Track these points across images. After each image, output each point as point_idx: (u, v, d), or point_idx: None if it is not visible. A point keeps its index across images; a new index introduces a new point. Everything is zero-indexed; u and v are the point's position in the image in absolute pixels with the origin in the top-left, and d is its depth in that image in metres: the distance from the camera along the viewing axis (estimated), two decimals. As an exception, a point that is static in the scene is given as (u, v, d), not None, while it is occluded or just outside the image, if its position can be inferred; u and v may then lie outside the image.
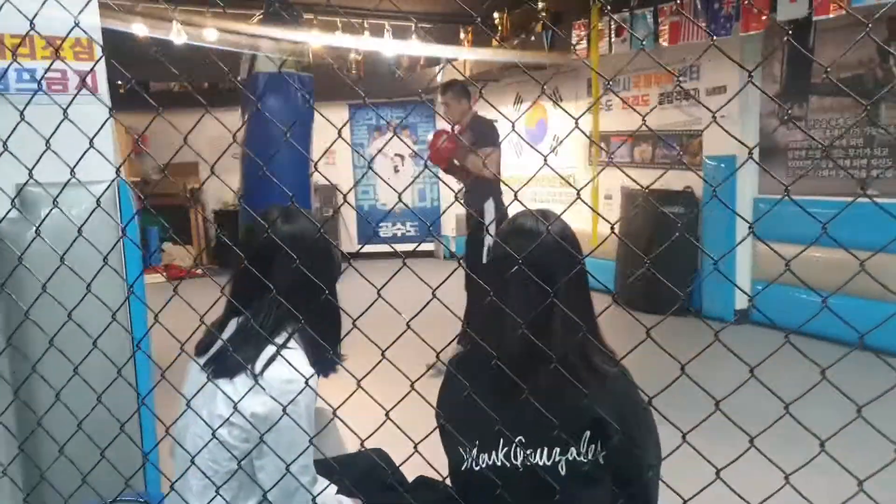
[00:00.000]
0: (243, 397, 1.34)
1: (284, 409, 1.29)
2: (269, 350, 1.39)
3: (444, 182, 9.47)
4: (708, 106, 3.73)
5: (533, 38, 6.25)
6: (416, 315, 1.09)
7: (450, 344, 1.29)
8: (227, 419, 1.37)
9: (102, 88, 2.34)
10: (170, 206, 9.39)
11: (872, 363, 0.92)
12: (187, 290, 1.29)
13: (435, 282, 1.09)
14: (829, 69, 3.63)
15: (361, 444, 1.26)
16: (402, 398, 1.15)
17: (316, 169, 1.33)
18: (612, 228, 1.02)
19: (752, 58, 5.02)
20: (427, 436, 1.19)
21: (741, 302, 5.14)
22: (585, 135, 1.03)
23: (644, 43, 4.88)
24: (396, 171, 9.57)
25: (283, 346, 1.40)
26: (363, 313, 1.13)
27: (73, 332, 1.48)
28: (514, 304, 1.23)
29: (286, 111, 4.11)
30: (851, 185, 4.43)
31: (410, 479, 1.67)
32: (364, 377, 1.16)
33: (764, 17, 4.00)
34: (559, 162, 7.12)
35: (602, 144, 6.47)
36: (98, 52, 2.31)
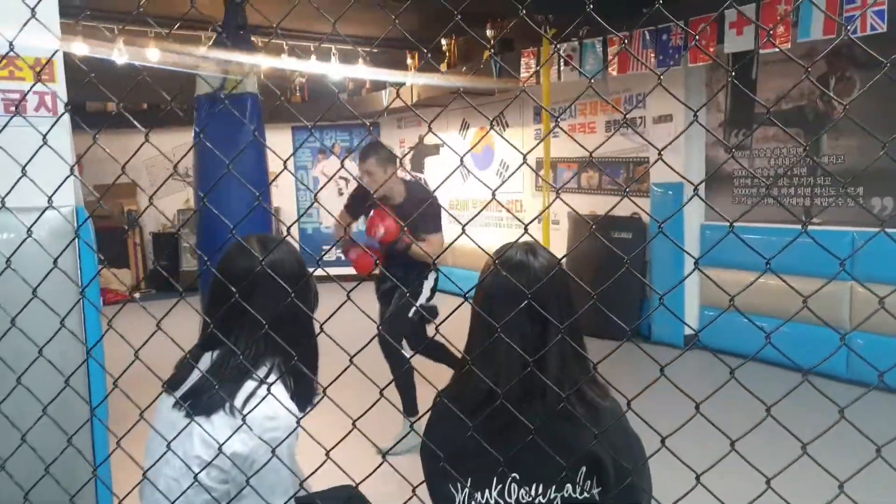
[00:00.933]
0: (230, 437, 1.25)
1: (274, 451, 1.22)
2: (249, 386, 1.32)
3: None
4: (653, 136, 3.73)
5: (482, 65, 6.26)
6: (359, 351, 1.05)
7: (446, 388, 1.26)
8: (208, 460, 1.28)
9: (61, 111, 2.19)
10: (106, 229, 9.03)
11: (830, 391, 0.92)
12: (126, 315, 1.25)
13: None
14: (769, 109, 3.74)
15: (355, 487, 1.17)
16: (395, 442, 1.07)
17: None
18: (559, 262, 1.00)
19: (697, 87, 5.15)
20: (421, 483, 1.14)
21: (689, 328, 5.21)
22: (532, 169, 1.00)
23: (591, 72, 4.94)
24: (341, 193, 9.42)
25: (264, 381, 1.33)
26: (360, 351, 1.06)
27: (26, 344, 1.38)
28: (506, 347, 1.22)
29: (234, 134, 3.97)
30: (798, 213, 4.56)
31: None
32: (360, 417, 1.07)
33: (711, 50, 4.09)
34: (505, 188, 7.14)
35: (549, 171, 6.51)
36: (59, 73, 2.14)
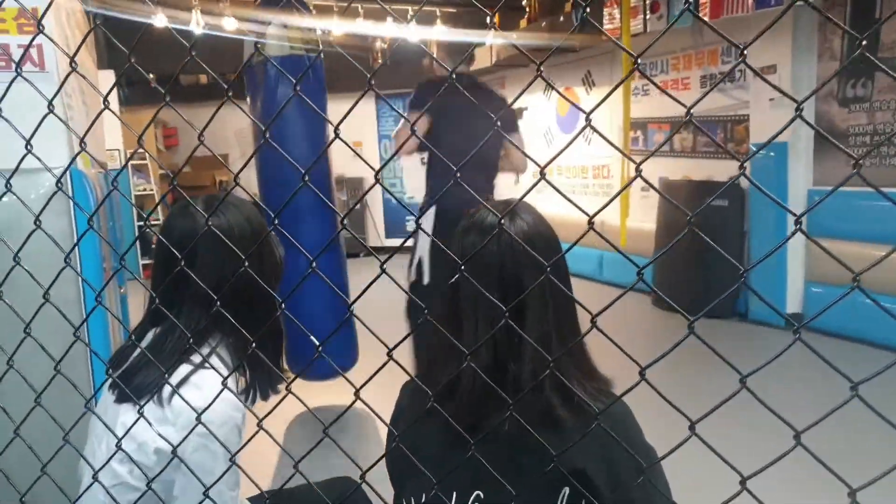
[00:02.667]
0: (131, 426, 1.09)
1: (174, 452, 1.02)
2: (183, 371, 1.14)
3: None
4: (755, 89, 3.20)
5: (562, 18, 5.80)
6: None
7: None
8: (131, 454, 1.10)
9: (50, 66, 2.05)
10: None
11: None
12: None
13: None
14: (863, 41, 3.19)
15: (294, 467, 0.92)
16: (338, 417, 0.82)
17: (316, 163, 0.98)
18: (589, 222, 0.74)
19: (807, 32, 4.49)
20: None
21: (793, 304, 4.64)
22: (596, 131, 0.70)
23: (681, 19, 4.41)
24: (423, 163, 9.20)
25: (201, 364, 1.14)
26: (398, 344, 0.88)
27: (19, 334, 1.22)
28: (473, 322, 0.99)
29: (297, 97, 3.79)
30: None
31: None
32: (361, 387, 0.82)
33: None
34: (593, 151, 6.66)
35: (638, 133, 6.00)
36: (50, 26, 2.00)
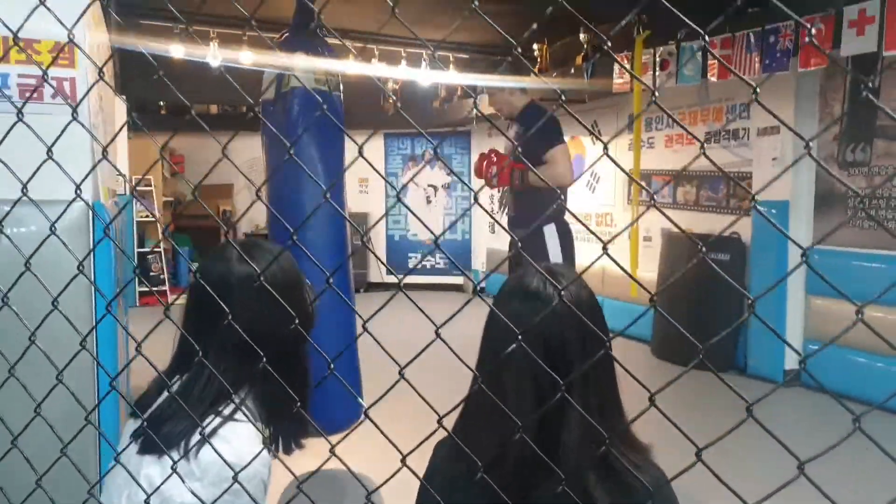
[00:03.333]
0: (162, 482, 1.05)
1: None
2: (214, 422, 1.11)
3: (479, 212, 9.21)
4: (758, 149, 3.32)
5: (573, 70, 5.97)
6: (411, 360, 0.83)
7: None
8: None
9: (80, 98, 2.13)
10: (202, 228, 9.35)
11: None
12: None
13: (460, 317, 0.85)
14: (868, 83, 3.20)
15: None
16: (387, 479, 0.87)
17: (326, 198, 1.02)
18: (604, 247, 0.72)
19: (810, 96, 4.65)
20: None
21: (791, 361, 4.70)
22: (621, 168, 0.76)
23: (690, 78, 4.56)
24: (429, 201, 9.33)
25: (228, 419, 1.11)
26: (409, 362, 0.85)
27: (32, 361, 1.19)
28: (515, 395, 0.98)
29: (317, 132, 3.82)
30: (921, 240, 4.00)
31: None
32: (409, 453, 0.84)
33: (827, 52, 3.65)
34: (596, 200, 6.78)
35: (643, 183, 6.12)
36: (80, 60, 2.09)
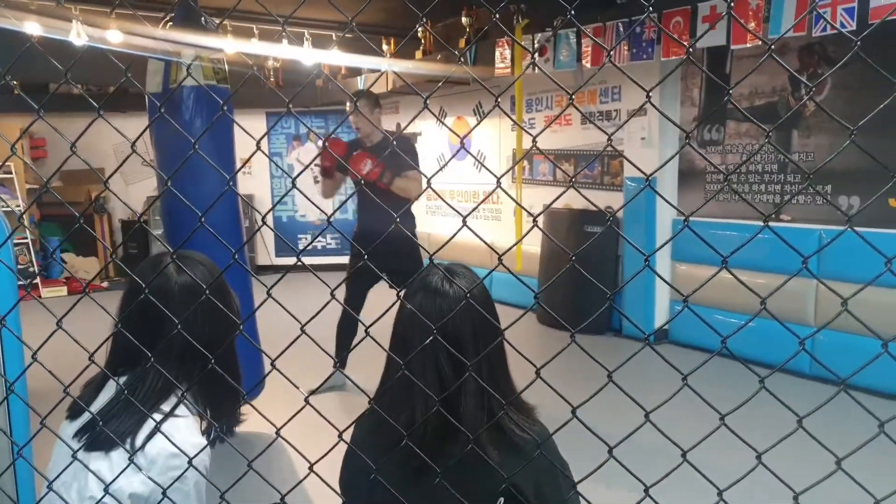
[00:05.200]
0: (118, 476, 1.16)
1: (164, 492, 1.12)
2: (156, 418, 1.21)
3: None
4: (628, 129, 3.68)
5: (457, 52, 6.16)
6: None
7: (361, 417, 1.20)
8: (104, 501, 1.17)
9: None
10: (73, 216, 8.81)
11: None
12: (90, 304, 1.14)
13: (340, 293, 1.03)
14: (730, 91, 3.72)
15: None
16: (324, 455, 1.02)
17: (230, 187, 1.14)
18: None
19: (672, 81, 5.11)
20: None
21: (660, 320, 5.21)
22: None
23: (565, 63, 4.88)
24: (317, 181, 9.29)
25: (170, 414, 1.23)
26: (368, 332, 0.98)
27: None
28: (423, 373, 1.17)
29: (206, 125, 3.79)
30: (768, 208, 4.55)
31: None
32: (283, 425, 1.00)
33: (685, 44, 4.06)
34: (481, 179, 7.08)
35: (524, 163, 6.46)
36: None
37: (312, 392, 3.93)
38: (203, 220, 1.04)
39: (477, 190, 7.19)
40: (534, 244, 6.10)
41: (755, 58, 4.48)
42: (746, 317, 4.47)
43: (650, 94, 0.90)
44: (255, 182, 9.12)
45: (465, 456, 1.06)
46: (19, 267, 8.19)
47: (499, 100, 0.90)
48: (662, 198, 1.05)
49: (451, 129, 1.19)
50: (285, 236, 9.34)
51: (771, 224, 0.86)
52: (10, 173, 8.18)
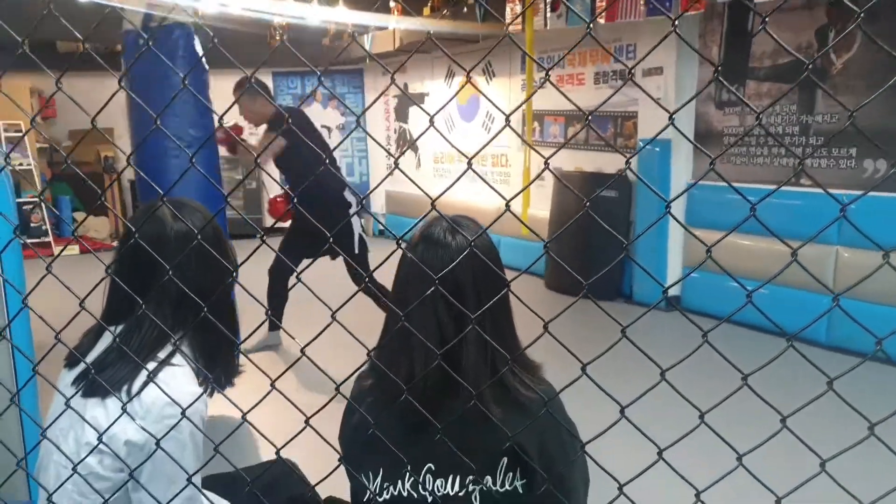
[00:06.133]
0: (113, 423, 1.14)
1: (158, 443, 1.09)
2: (151, 367, 1.20)
3: (377, 155, 9.15)
4: (644, 87, 3.49)
5: (465, 9, 5.95)
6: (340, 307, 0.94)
7: (358, 370, 1.15)
8: (101, 447, 1.16)
9: None
10: (83, 175, 8.77)
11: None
12: (97, 264, 1.10)
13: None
14: (752, 36, 3.55)
15: (277, 454, 1.05)
16: (323, 406, 0.98)
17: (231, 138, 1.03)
18: (507, 205, 0.89)
19: (690, 39, 4.89)
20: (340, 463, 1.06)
21: (672, 289, 5.08)
22: (519, 136, 0.82)
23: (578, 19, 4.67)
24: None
25: (165, 363, 1.21)
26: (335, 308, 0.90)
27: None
28: (423, 325, 1.12)
29: (160, 71, 3.48)
30: (787, 173, 4.37)
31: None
32: (278, 377, 0.96)
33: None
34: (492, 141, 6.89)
35: (535, 124, 6.28)
36: None
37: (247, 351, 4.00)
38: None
39: (485, 153, 7.02)
40: (543, 209, 5.95)
41: (780, 13, 4.25)
42: (758, 283, 4.32)
43: (675, 24, 0.75)
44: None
45: (467, 412, 1.01)
46: (33, 225, 8.22)
47: (505, 57, 0.77)
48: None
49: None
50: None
51: (791, 188, 0.72)
52: (20, 132, 8.12)
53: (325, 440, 1.02)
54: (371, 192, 1.19)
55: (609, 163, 5.63)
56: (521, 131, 6.51)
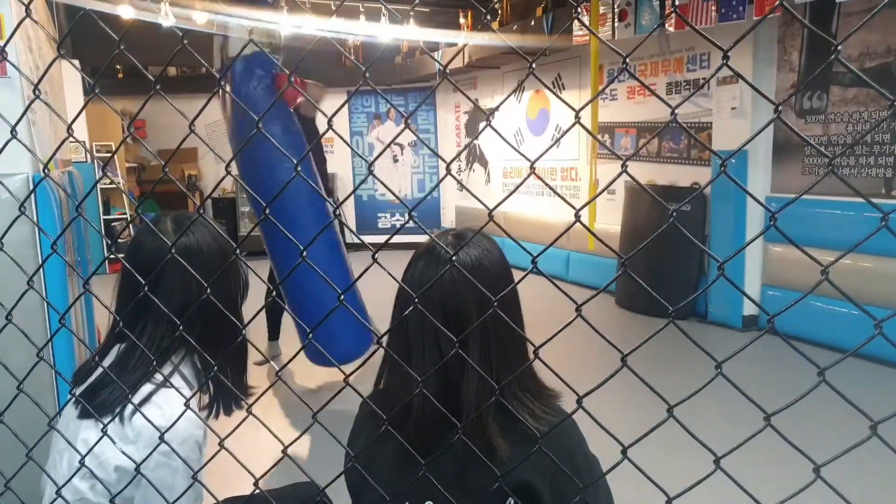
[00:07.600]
0: (94, 446, 1.10)
1: (138, 468, 1.04)
2: (146, 389, 1.14)
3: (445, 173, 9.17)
4: (718, 98, 3.31)
5: (533, 22, 5.88)
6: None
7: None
8: (93, 470, 1.11)
9: (12, 72, 2.06)
10: (168, 193, 9.20)
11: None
12: None
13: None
14: (838, 46, 3.29)
15: (255, 484, 0.97)
16: (299, 436, 0.91)
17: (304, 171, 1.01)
18: (576, 214, 0.74)
19: (767, 44, 4.65)
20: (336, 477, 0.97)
21: (749, 307, 4.81)
22: (587, 130, 0.75)
23: (647, 28, 4.53)
24: (396, 160, 9.26)
25: (165, 381, 1.15)
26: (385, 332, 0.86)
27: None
28: (422, 349, 1.03)
29: (265, 95, 3.71)
30: (876, 185, 4.06)
31: None
32: (254, 402, 0.95)
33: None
34: (560, 154, 6.77)
35: (605, 136, 6.12)
36: (6, 30, 2.02)
37: (257, 363, 3.96)
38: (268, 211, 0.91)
39: (555, 166, 6.90)
40: (613, 223, 5.78)
41: (865, 13, 3.98)
42: (845, 303, 4.03)
43: (728, 53, 0.65)
44: (336, 160, 9.14)
45: (468, 446, 0.90)
46: (121, 241, 8.66)
47: (575, 70, 0.70)
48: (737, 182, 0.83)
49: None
50: (366, 215, 9.36)
51: (882, 201, 0.61)
52: (111, 152, 8.58)
53: (301, 470, 0.95)
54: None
55: (683, 176, 5.42)
56: (589, 148, 6.36)
